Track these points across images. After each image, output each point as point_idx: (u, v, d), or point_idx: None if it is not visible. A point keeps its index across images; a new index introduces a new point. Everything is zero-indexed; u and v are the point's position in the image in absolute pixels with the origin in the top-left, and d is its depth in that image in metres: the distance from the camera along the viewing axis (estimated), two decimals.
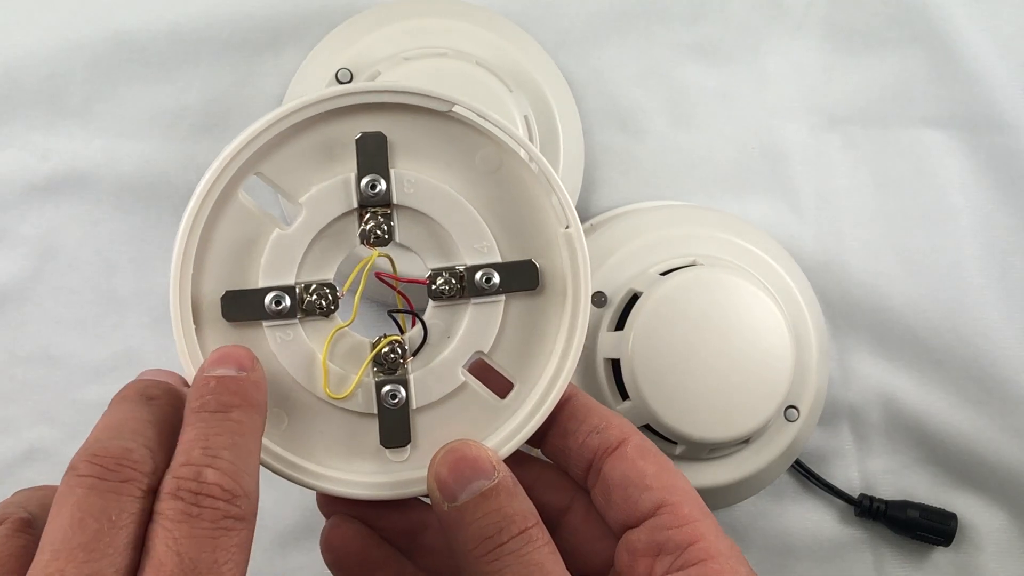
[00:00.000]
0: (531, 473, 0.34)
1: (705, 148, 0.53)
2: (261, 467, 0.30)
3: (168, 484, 0.26)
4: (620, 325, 0.44)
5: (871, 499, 0.51)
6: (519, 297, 0.34)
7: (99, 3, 0.49)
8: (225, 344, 0.31)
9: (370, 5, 0.50)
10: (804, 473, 0.51)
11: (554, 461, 0.35)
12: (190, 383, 0.30)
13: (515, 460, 0.33)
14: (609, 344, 0.44)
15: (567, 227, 0.33)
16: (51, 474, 0.50)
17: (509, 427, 0.33)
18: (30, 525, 0.27)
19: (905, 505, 0.51)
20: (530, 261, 0.33)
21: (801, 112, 0.53)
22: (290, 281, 0.32)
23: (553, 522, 0.33)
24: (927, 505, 0.51)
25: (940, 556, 0.52)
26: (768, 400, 0.43)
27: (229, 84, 0.50)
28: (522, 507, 0.30)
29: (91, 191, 0.50)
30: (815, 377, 0.47)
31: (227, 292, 0.32)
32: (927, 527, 0.51)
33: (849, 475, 0.52)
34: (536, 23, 0.52)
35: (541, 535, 0.30)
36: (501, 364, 0.34)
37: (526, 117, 0.47)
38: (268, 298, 0.32)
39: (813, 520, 0.52)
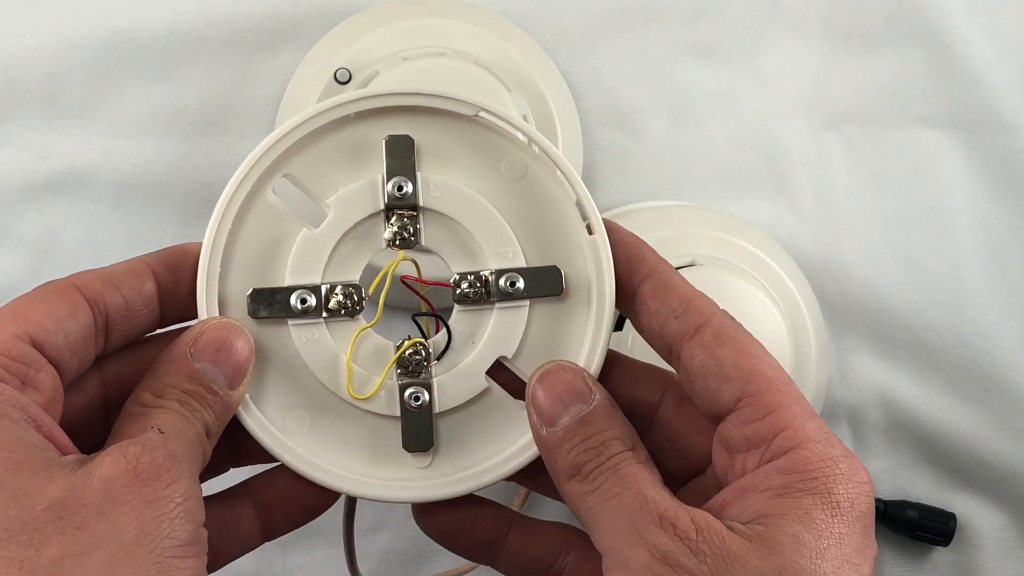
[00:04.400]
0: (619, 370, 0.34)
1: (704, 148, 0.53)
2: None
3: (123, 446, 0.27)
4: (620, 325, 0.43)
5: None
6: (544, 303, 0.34)
7: (97, 3, 0.49)
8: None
9: (369, 5, 0.50)
10: None
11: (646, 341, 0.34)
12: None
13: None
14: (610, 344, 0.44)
15: (591, 233, 0.33)
16: None
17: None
18: None
19: (904, 505, 0.51)
20: (555, 267, 0.33)
21: (800, 112, 0.53)
22: (316, 281, 0.33)
23: (646, 420, 0.33)
24: (926, 505, 0.51)
25: (939, 556, 0.52)
26: None
27: (228, 84, 0.50)
28: (621, 431, 0.30)
29: (89, 191, 0.50)
30: (814, 377, 0.47)
31: (254, 290, 0.32)
32: (926, 527, 0.50)
33: None
34: (535, 23, 0.51)
35: (640, 455, 0.30)
36: (524, 370, 0.34)
37: (524, 117, 0.47)
38: (294, 296, 0.32)
39: None
